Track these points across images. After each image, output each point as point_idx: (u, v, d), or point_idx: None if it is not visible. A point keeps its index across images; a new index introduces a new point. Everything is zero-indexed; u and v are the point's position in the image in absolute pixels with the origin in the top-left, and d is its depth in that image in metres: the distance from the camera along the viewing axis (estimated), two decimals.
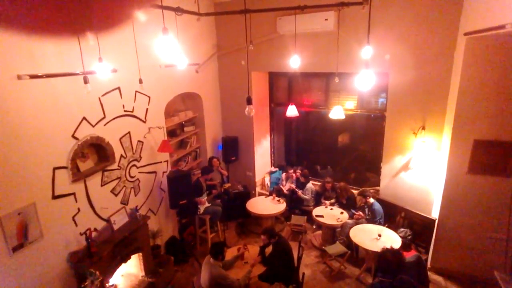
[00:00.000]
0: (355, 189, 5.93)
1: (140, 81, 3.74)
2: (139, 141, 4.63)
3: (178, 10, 3.70)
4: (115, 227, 4.14)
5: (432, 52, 4.48)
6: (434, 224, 4.70)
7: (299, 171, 6.34)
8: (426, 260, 4.77)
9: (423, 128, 4.77)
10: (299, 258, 4.37)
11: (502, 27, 2.84)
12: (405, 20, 4.56)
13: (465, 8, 4.08)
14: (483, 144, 4.09)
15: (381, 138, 5.36)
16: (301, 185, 6.28)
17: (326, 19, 4.93)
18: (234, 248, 4.56)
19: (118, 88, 4.16)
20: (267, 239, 4.21)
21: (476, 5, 3.77)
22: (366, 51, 3.09)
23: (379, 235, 4.62)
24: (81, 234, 3.76)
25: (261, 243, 4.39)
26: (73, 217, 3.70)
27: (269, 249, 4.30)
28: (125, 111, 4.32)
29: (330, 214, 5.51)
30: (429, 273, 4.60)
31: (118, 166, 4.29)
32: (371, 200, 5.22)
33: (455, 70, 4.31)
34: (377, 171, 5.72)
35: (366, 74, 2.76)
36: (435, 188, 4.86)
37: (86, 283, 3.45)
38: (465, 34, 3.88)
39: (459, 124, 4.17)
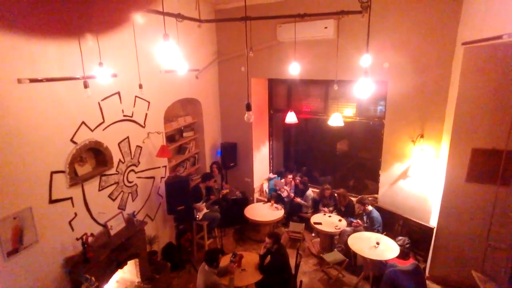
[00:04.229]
0: (354, 197, 5.91)
1: (140, 86, 3.75)
2: (137, 146, 4.62)
3: (179, 16, 3.74)
4: (112, 232, 4.11)
5: (431, 61, 4.52)
6: (433, 233, 4.69)
7: (299, 178, 6.33)
8: (424, 268, 4.75)
9: (422, 136, 4.79)
10: (297, 266, 4.33)
11: (499, 37, 2.88)
12: (404, 29, 4.61)
13: (463, 18, 4.13)
14: (481, 152, 4.11)
15: (379, 145, 5.37)
16: (301, 193, 6.25)
17: (326, 27, 4.97)
18: (229, 256, 4.49)
19: (118, 93, 4.17)
20: (272, 243, 4.17)
21: (474, 15, 3.83)
22: (365, 59, 3.12)
23: (377, 243, 4.59)
24: (77, 239, 3.73)
25: (264, 248, 4.32)
26: (69, 222, 3.67)
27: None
28: (124, 116, 4.32)
29: (328, 221, 5.48)
30: (427, 281, 4.58)
31: (116, 171, 4.28)
32: (370, 207, 5.20)
33: (453, 79, 4.34)
34: (375, 178, 5.72)
35: (365, 82, 2.78)
36: (434, 196, 4.85)
37: None
38: (463, 43, 3.93)
39: (458, 132, 4.19)
